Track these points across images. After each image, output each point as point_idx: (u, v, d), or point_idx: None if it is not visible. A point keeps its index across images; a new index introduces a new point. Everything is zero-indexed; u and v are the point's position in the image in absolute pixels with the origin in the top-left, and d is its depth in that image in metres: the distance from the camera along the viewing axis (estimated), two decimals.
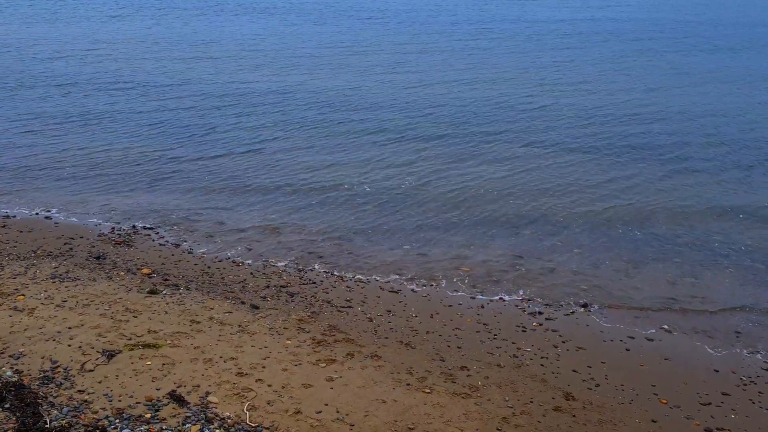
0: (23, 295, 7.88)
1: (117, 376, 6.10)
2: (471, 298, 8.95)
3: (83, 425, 5.30)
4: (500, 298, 8.97)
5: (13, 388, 5.64)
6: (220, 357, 6.66)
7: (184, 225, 11.28)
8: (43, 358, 6.34)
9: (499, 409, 6.21)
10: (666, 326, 8.33)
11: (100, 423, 5.35)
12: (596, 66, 27.91)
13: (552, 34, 38.37)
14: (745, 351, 7.82)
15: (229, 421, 5.54)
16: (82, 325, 7.09)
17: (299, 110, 19.54)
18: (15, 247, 9.82)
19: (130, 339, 6.86)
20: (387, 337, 7.64)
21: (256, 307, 8.12)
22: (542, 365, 7.22)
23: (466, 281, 9.45)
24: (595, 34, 38.64)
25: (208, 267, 9.56)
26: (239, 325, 7.50)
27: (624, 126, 18.15)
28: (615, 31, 39.53)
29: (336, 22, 42.68)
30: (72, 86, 22.34)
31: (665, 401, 6.65)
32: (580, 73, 26.10)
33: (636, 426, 6.18)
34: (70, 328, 7.00)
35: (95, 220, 11.37)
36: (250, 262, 9.87)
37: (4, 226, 10.77)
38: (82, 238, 10.42)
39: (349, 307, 8.46)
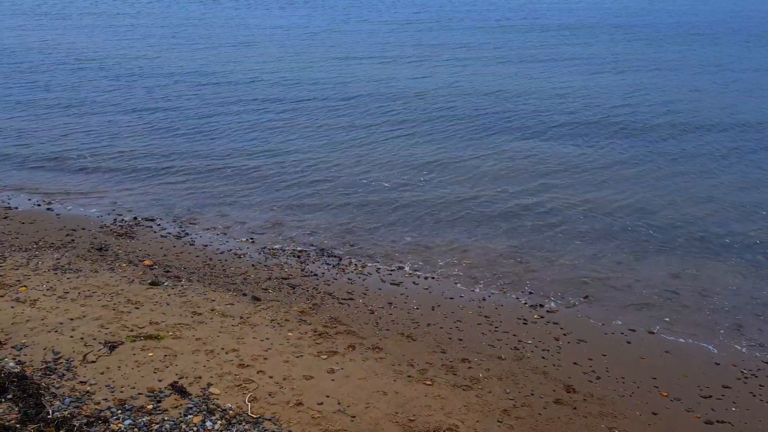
0: (25, 286, 7.89)
1: (119, 367, 6.11)
2: (472, 290, 8.95)
3: (85, 416, 5.31)
4: (501, 291, 8.97)
5: (15, 379, 5.65)
6: (222, 348, 6.67)
7: (186, 217, 11.29)
8: (45, 349, 6.35)
9: (500, 402, 6.22)
10: (667, 319, 8.33)
11: (102, 414, 5.36)
12: (599, 59, 27.79)
13: (556, 26, 38.21)
14: (746, 344, 7.82)
15: (230, 412, 5.56)
16: (84, 317, 7.10)
17: (302, 104, 19.51)
18: (17, 238, 9.83)
19: (132, 330, 6.88)
20: (388, 329, 7.65)
21: (258, 299, 8.13)
22: (543, 358, 7.23)
23: (468, 273, 9.44)
24: (600, 25, 38.48)
25: (210, 259, 9.57)
26: (241, 317, 7.51)
27: (626, 119, 18.09)
28: (620, 24, 39.35)
29: (335, 15, 42.56)
30: (76, 77, 22.32)
31: (666, 394, 6.65)
32: (582, 67, 26.00)
33: (637, 418, 6.19)
34: (72, 319, 7.02)
35: (97, 211, 11.38)
36: (251, 254, 9.88)
37: (6, 218, 10.77)
38: (84, 229, 10.43)
39: (351, 299, 8.46)
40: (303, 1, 50.09)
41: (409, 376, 6.51)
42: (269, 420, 5.52)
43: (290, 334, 7.20)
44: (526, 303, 8.62)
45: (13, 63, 24.50)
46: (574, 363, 7.15)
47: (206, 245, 10.11)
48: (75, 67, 23.92)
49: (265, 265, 9.45)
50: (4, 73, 22.76)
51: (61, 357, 6.23)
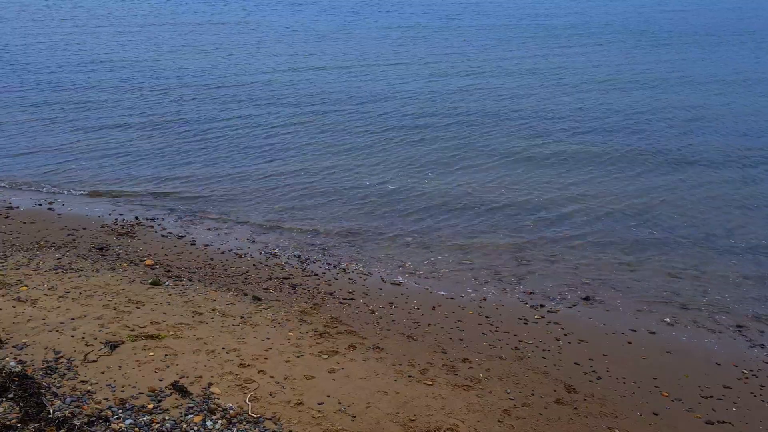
0: (26, 285, 7.90)
1: (120, 366, 6.12)
2: (473, 290, 8.95)
3: (86, 415, 5.31)
4: (502, 291, 8.96)
5: (16, 379, 5.66)
6: (223, 348, 6.67)
7: (187, 217, 11.29)
8: (46, 348, 6.35)
9: (501, 402, 6.22)
10: (668, 319, 8.33)
11: (103, 413, 5.36)
12: (600, 62, 27.79)
13: (559, 29, 38.20)
14: (746, 344, 7.81)
15: (231, 411, 5.56)
16: (85, 316, 7.11)
17: (304, 106, 19.52)
18: (18, 237, 9.84)
19: (133, 330, 6.88)
20: (389, 329, 7.65)
21: (259, 299, 8.14)
22: (544, 358, 7.22)
23: (468, 273, 9.44)
24: (603, 30, 38.45)
25: (211, 258, 9.57)
26: (241, 317, 7.52)
27: (627, 121, 18.08)
28: (624, 28, 39.33)
29: (338, 18, 42.56)
30: (83, 78, 22.34)
31: (667, 394, 6.65)
32: (583, 70, 25.99)
33: (637, 419, 6.19)
34: (73, 318, 7.02)
35: (98, 211, 11.39)
36: (252, 253, 9.88)
37: (7, 217, 10.79)
38: (85, 229, 10.44)
39: (352, 299, 8.47)
40: (310, 1, 50.13)
41: (409, 376, 6.52)
42: (270, 420, 5.53)
43: (291, 333, 7.20)
44: (526, 303, 8.62)
45: (17, 65, 24.51)
46: (575, 363, 7.15)
47: (207, 245, 10.12)
48: (80, 68, 23.92)
49: (266, 265, 9.45)
50: (8, 74, 22.78)
51: (62, 356, 6.24)
